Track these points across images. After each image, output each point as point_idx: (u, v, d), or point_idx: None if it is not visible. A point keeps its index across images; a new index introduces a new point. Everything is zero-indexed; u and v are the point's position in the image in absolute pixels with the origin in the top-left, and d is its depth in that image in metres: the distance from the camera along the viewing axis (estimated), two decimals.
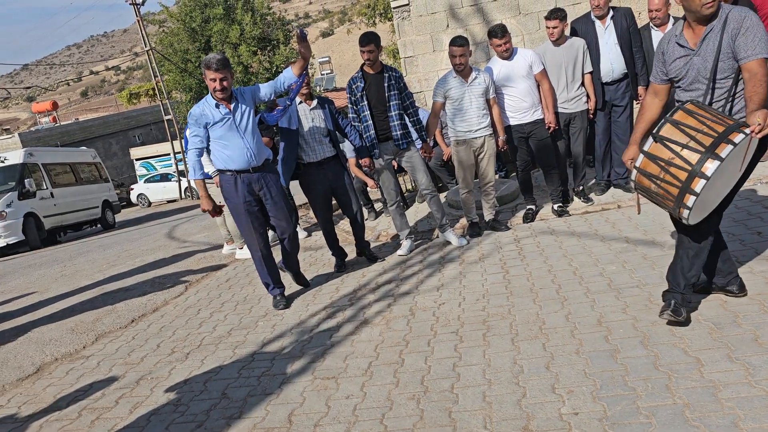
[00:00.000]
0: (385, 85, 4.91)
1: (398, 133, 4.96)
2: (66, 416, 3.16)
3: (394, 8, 7.97)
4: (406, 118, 5.07)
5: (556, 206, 5.56)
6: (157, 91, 24.88)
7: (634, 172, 2.81)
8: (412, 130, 5.13)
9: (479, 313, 3.60)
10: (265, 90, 4.25)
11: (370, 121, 4.94)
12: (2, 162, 13.88)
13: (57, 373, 3.83)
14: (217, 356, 3.67)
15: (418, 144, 5.30)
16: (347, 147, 6.15)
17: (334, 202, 5.25)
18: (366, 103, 4.92)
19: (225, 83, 4.01)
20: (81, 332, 4.54)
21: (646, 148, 2.76)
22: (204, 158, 5.95)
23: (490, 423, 2.43)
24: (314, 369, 3.24)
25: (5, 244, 12.20)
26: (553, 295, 3.67)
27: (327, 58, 68.40)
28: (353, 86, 4.97)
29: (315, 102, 4.90)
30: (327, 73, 56.83)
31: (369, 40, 4.82)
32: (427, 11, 7.93)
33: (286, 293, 4.59)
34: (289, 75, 4.28)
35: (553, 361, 2.84)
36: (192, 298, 5.10)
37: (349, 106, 5.06)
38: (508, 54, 5.22)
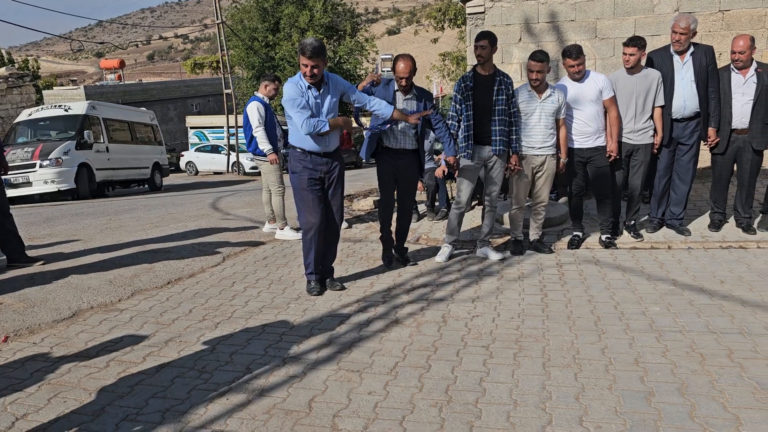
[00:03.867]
0: (494, 89, 4.85)
1: (497, 138, 4.90)
2: (94, 364, 3.22)
3: (469, 14, 7.92)
4: (509, 126, 4.97)
5: (604, 237, 5.43)
6: (221, 65, 25.31)
7: None
8: (510, 139, 5.00)
9: (512, 332, 3.54)
10: (356, 97, 4.36)
11: (471, 122, 4.89)
12: (66, 111, 14.34)
13: (91, 321, 3.92)
14: (246, 331, 3.70)
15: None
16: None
17: None
18: (471, 103, 4.88)
19: (316, 71, 4.05)
20: (118, 285, 4.64)
21: None
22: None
23: None
24: (340, 360, 3.23)
25: (57, 189, 12.59)
26: (590, 326, 3.58)
27: (390, 56, 68.49)
28: (462, 85, 4.93)
29: (411, 93, 4.82)
30: (387, 71, 56.98)
31: (484, 35, 4.77)
32: (501, 22, 7.85)
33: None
34: (384, 110, 4.42)
35: (583, 393, 2.76)
36: (228, 270, 5.16)
37: (453, 104, 5.02)
38: (580, 76, 5.13)
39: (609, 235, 5.43)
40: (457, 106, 4.96)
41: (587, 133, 5.18)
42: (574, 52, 5.05)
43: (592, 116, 5.14)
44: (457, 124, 5.00)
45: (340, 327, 3.73)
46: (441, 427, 2.53)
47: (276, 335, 3.61)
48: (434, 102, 5.06)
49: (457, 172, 5.08)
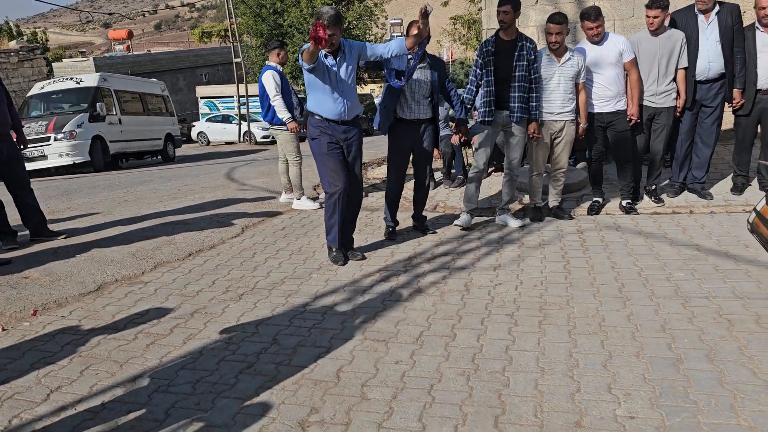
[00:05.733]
0: (515, 54, 4.76)
1: (516, 105, 4.82)
2: (123, 337, 3.27)
3: None
4: (529, 93, 4.89)
5: (624, 202, 5.37)
6: (229, 33, 25.04)
7: (753, 215, 2.61)
8: (530, 105, 4.93)
9: (536, 300, 3.53)
10: (371, 52, 4.24)
11: (492, 88, 4.82)
12: (78, 83, 14.31)
13: (116, 294, 3.96)
14: (269, 302, 3.72)
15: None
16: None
17: None
18: (492, 68, 4.80)
19: (333, 39, 3.99)
20: (141, 258, 4.67)
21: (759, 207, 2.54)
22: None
23: (541, 412, 2.39)
24: (365, 330, 3.25)
25: (71, 162, 12.65)
26: (615, 293, 3.56)
27: (399, 21, 67.22)
28: (484, 49, 4.85)
29: (425, 62, 4.73)
30: (397, 35, 56.14)
31: (507, 0, 4.67)
32: None
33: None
34: (398, 46, 4.21)
35: (611, 361, 2.76)
36: (248, 241, 5.18)
37: (473, 68, 4.95)
38: (599, 38, 5.00)
39: (630, 200, 5.37)
40: (478, 70, 4.87)
41: (607, 97, 5.08)
42: (592, 14, 4.92)
43: (612, 80, 5.03)
44: (474, 89, 4.93)
45: (364, 297, 3.74)
46: (469, 395, 2.54)
47: (300, 306, 3.63)
48: (446, 70, 4.98)
49: (474, 138, 5.02)
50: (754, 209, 2.61)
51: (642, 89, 5.15)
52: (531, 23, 7.79)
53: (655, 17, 4.98)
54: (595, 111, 5.14)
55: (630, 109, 5.12)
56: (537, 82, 4.89)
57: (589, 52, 5.06)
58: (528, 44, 4.82)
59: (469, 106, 4.99)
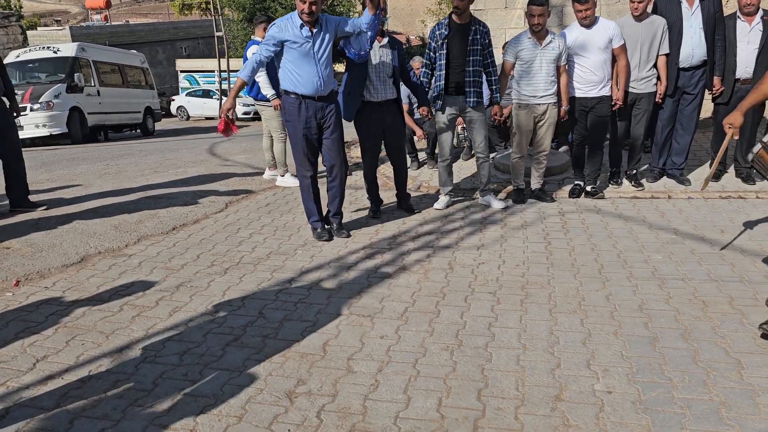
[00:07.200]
0: (470, 38, 4.77)
1: (471, 89, 4.85)
2: (108, 308, 3.27)
3: None
4: (483, 77, 4.95)
5: (589, 187, 5.44)
6: (210, 6, 24.61)
7: (758, 146, 2.74)
8: (485, 89, 5.01)
9: (518, 279, 3.61)
10: (349, 26, 4.21)
11: (444, 71, 4.84)
12: (55, 53, 13.99)
13: (100, 266, 3.95)
14: (255, 276, 3.74)
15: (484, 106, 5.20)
16: (402, 93, 6.05)
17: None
18: (445, 52, 4.80)
19: (314, 7, 3.96)
20: (124, 231, 4.65)
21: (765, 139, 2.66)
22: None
23: (522, 386, 2.46)
24: (350, 305, 3.29)
25: (48, 134, 12.42)
26: (594, 274, 3.65)
27: None
28: (437, 32, 4.85)
29: (385, 40, 4.79)
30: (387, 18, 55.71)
31: None
32: None
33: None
34: (365, 16, 4.19)
35: (590, 338, 2.84)
36: (231, 217, 5.17)
37: (427, 52, 4.96)
38: (588, 22, 5.01)
39: (594, 186, 5.44)
40: (431, 54, 4.90)
41: (592, 81, 5.11)
42: None
43: (598, 65, 5.06)
44: (430, 72, 4.95)
45: (349, 273, 3.78)
46: (453, 369, 2.61)
47: (286, 281, 3.66)
48: (404, 50, 5.00)
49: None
50: (761, 141, 2.77)
51: (629, 75, 5.20)
52: (518, 5, 7.79)
53: (639, 2, 5.02)
54: (579, 95, 5.17)
55: (615, 94, 5.17)
56: (492, 66, 4.94)
57: (578, 35, 5.06)
58: (481, 28, 4.84)
59: (427, 89, 5.01)
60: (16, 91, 12.65)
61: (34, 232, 4.53)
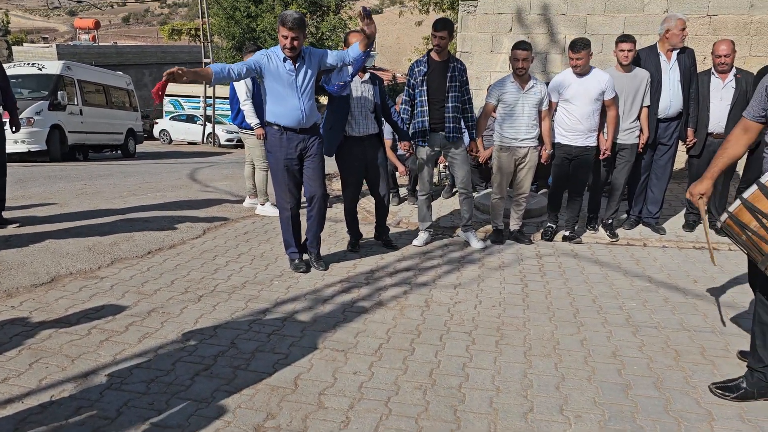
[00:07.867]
0: (448, 75, 4.86)
1: (451, 125, 4.93)
2: (76, 331, 3.19)
3: (462, 1, 7.89)
4: (461, 113, 5.04)
5: (567, 232, 5.51)
6: (200, 32, 24.79)
7: (725, 216, 2.63)
8: (463, 126, 5.10)
9: (494, 320, 3.60)
10: (333, 58, 4.22)
11: (426, 108, 4.91)
12: (39, 69, 13.91)
13: (70, 288, 3.86)
14: (229, 305, 3.69)
15: (466, 141, 5.28)
16: (385, 129, 6.12)
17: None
18: (425, 89, 4.88)
19: (296, 42, 3.99)
20: (98, 252, 4.57)
21: (746, 195, 2.56)
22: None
23: (495, 430, 2.44)
24: (324, 339, 3.25)
25: (27, 150, 12.25)
26: (569, 318, 3.66)
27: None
28: (416, 69, 4.93)
29: (367, 76, 4.85)
30: (375, 53, 56.53)
31: (444, 26, 4.76)
32: (494, 10, 7.85)
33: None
34: (354, 51, 4.23)
35: (563, 383, 2.84)
36: (209, 243, 5.12)
37: (406, 89, 5.03)
38: (579, 70, 5.05)
39: (572, 231, 5.51)
40: (411, 91, 4.98)
41: (578, 130, 5.16)
42: (577, 45, 4.98)
43: (586, 114, 5.11)
44: (410, 109, 5.02)
45: (324, 306, 3.74)
46: (425, 409, 2.58)
47: (260, 311, 3.61)
48: (384, 87, 5.08)
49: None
50: (727, 211, 2.62)
51: (618, 126, 5.29)
52: (504, 50, 7.98)
53: (629, 51, 5.15)
54: (564, 143, 5.24)
55: (604, 144, 5.24)
56: (470, 103, 5.06)
57: (571, 82, 5.12)
58: (458, 65, 4.95)
59: (407, 126, 5.08)
60: None
61: (4, 249, 4.43)
